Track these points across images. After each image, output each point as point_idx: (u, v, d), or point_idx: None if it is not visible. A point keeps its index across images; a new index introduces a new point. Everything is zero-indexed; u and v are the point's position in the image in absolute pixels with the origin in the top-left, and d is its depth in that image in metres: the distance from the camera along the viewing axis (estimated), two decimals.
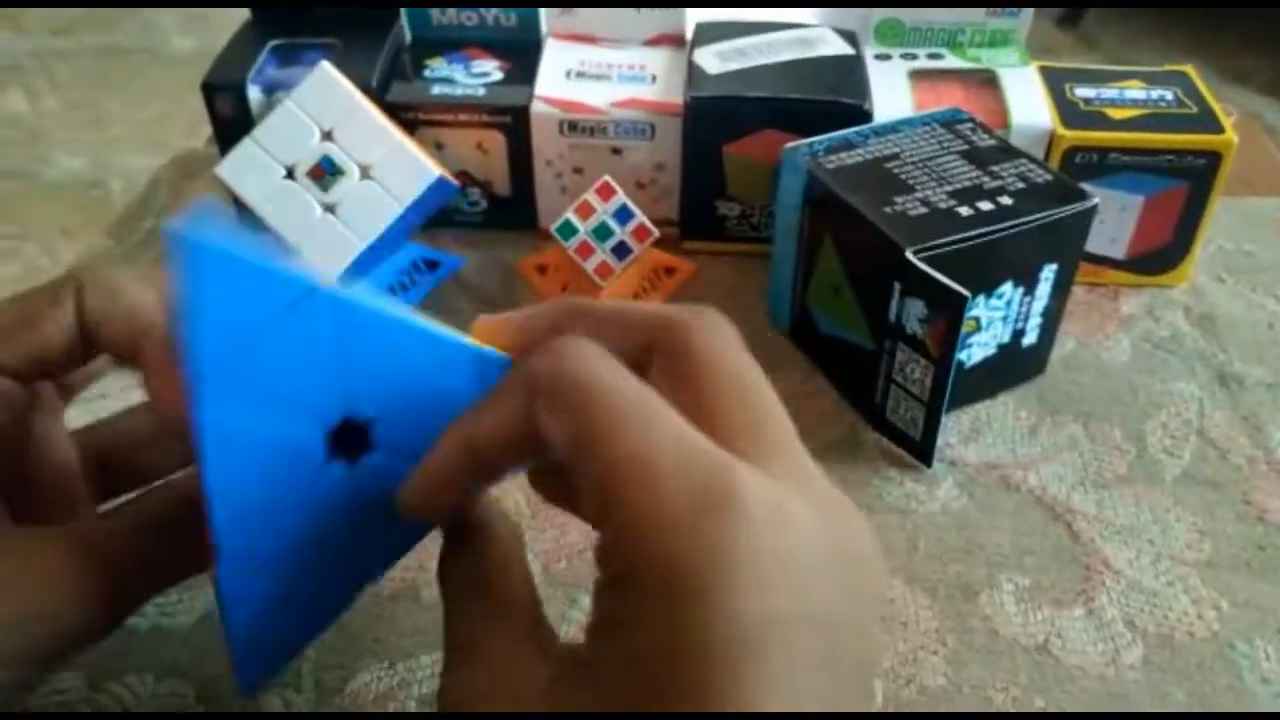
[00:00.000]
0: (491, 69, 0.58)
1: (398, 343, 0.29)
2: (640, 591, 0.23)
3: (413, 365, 0.29)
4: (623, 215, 0.51)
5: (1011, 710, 0.38)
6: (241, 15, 0.60)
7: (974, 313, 0.46)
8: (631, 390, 0.25)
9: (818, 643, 0.23)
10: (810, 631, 0.23)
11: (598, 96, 0.55)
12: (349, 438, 0.29)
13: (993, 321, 0.47)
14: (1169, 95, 0.54)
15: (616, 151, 0.56)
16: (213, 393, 0.25)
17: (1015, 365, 0.50)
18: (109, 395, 0.45)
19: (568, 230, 0.51)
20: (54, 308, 0.31)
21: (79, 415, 0.36)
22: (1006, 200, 0.46)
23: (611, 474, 0.24)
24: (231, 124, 0.55)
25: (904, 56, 0.58)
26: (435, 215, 0.54)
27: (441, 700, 0.27)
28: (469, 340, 0.30)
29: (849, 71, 0.56)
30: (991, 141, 0.50)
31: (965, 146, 0.49)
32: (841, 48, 0.58)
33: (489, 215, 0.60)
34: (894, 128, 0.51)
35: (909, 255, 0.43)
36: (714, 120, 0.54)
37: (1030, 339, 0.49)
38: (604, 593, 0.25)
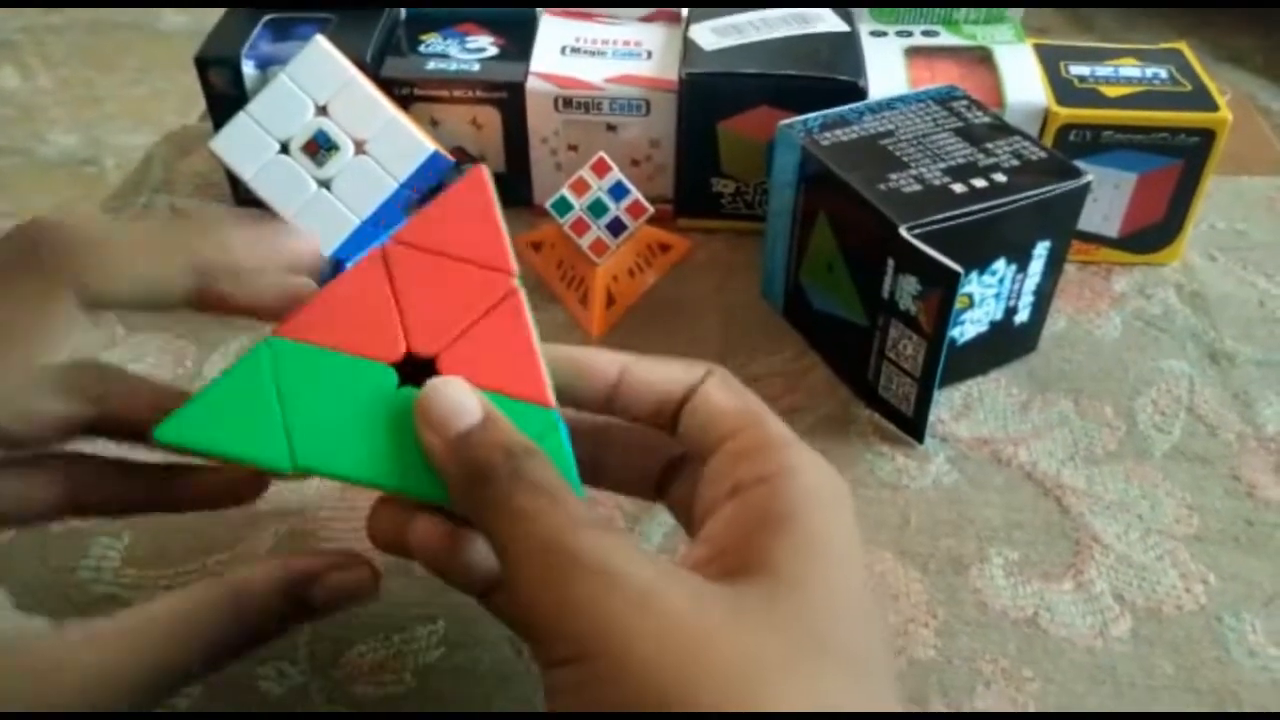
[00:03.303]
0: (486, 44, 0.58)
1: None
2: None
3: None
4: (618, 192, 0.51)
5: (1001, 682, 0.38)
6: None
7: (967, 289, 0.46)
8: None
9: None
10: None
11: (593, 72, 0.55)
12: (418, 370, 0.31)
13: (985, 298, 0.47)
14: (1163, 73, 0.54)
15: (612, 128, 0.56)
16: None
17: (1007, 342, 0.50)
18: None
19: (563, 206, 0.51)
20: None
21: None
22: (1000, 177, 0.46)
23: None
24: (225, 99, 0.55)
25: (899, 33, 0.58)
26: (430, 191, 0.54)
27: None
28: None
29: (844, 48, 0.56)
30: (986, 119, 0.50)
31: (960, 124, 0.49)
32: (837, 24, 0.58)
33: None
34: (889, 105, 0.51)
35: (903, 232, 0.43)
36: (709, 97, 0.54)
37: (1022, 316, 0.49)
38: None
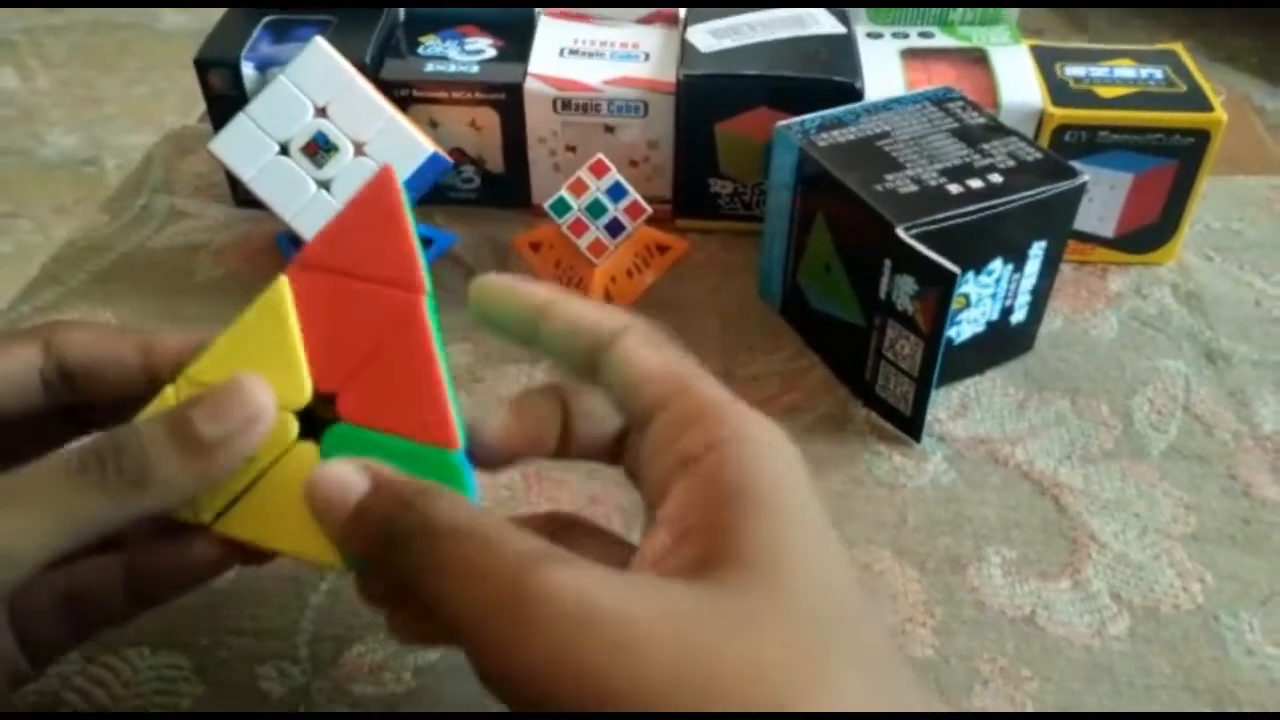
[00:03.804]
0: (485, 46, 0.58)
1: None
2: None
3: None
4: (616, 192, 0.51)
5: (999, 681, 0.39)
6: None
7: (963, 289, 0.46)
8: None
9: None
10: None
11: (591, 74, 0.56)
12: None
13: (982, 298, 0.47)
14: (1159, 74, 0.55)
15: (610, 129, 0.56)
16: None
17: (1004, 342, 0.50)
18: None
19: (561, 207, 0.51)
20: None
21: None
22: (996, 178, 0.46)
23: None
24: (225, 100, 0.55)
25: (895, 35, 0.58)
26: (429, 192, 0.54)
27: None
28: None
29: (841, 50, 0.56)
30: (982, 120, 0.50)
31: (956, 125, 0.50)
32: (834, 26, 0.58)
33: (482, 192, 0.60)
34: (885, 106, 0.51)
35: (900, 232, 0.43)
36: (707, 98, 0.54)
37: (1019, 316, 0.50)
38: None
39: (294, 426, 0.29)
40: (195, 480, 0.28)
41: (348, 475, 0.28)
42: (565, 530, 0.32)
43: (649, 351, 0.29)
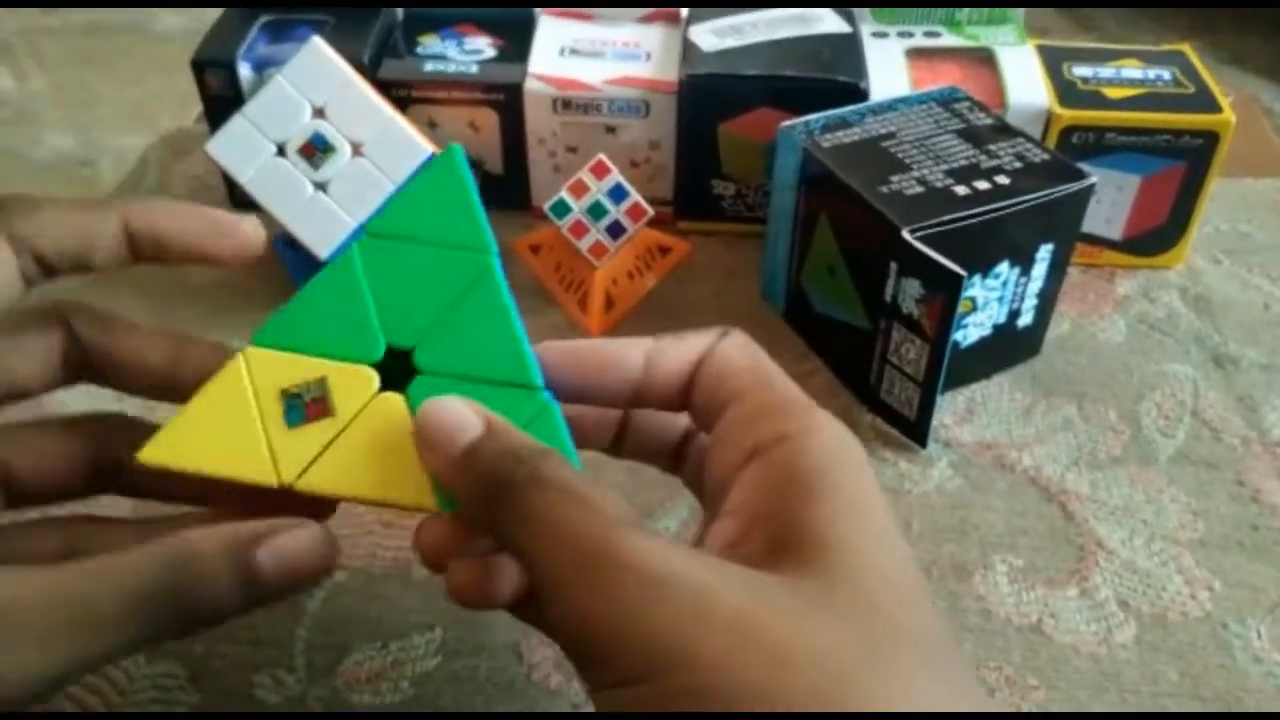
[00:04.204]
0: (484, 46, 0.57)
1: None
2: None
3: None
4: (617, 194, 0.50)
5: (1005, 689, 0.38)
6: None
7: (970, 293, 0.46)
8: None
9: None
10: None
11: (592, 74, 0.55)
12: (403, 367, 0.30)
13: (988, 302, 0.47)
14: (1166, 74, 0.54)
15: (611, 130, 0.56)
16: None
17: (1010, 346, 0.50)
18: None
19: (561, 209, 0.51)
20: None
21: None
22: (1003, 179, 0.45)
23: None
24: (221, 101, 0.54)
25: (901, 34, 0.58)
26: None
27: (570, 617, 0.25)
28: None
29: (845, 49, 0.55)
30: (988, 120, 0.50)
31: (962, 125, 0.49)
32: (838, 25, 0.57)
33: (482, 194, 0.59)
34: (890, 106, 0.51)
35: (905, 234, 0.43)
36: (709, 98, 0.54)
37: (1026, 320, 0.49)
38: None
39: (375, 380, 0.30)
40: (244, 609, 0.28)
41: (465, 414, 0.28)
42: None
43: (738, 353, 0.30)
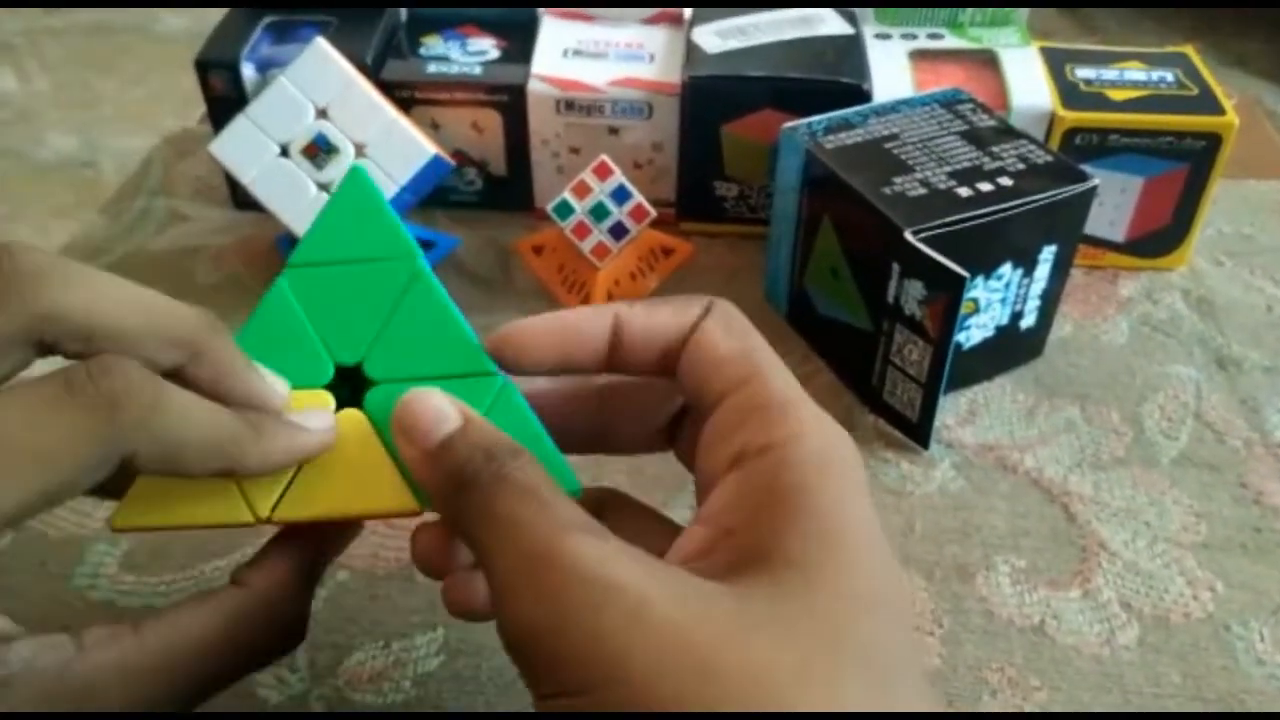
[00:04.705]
0: (488, 47, 0.57)
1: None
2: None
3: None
4: (620, 195, 0.50)
5: (1007, 690, 0.38)
6: None
7: (972, 294, 0.46)
8: None
9: None
10: None
11: (595, 75, 0.55)
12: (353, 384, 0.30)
13: (991, 303, 0.47)
14: (1169, 76, 0.54)
15: (614, 131, 0.56)
16: None
17: (1013, 347, 0.50)
18: None
19: (564, 210, 0.51)
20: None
21: None
22: (1006, 181, 0.45)
23: None
24: (225, 101, 0.54)
25: (904, 36, 0.58)
26: (431, 195, 0.53)
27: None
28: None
29: (849, 51, 0.55)
30: (991, 122, 0.50)
31: (965, 127, 0.49)
32: (841, 27, 0.57)
33: (485, 195, 0.59)
34: (893, 108, 0.51)
35: (908, 236, 0.42)
36: (712, 100, 0.54)
37: (1028, 321, 0.49)
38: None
39: (330, 401, 0.30)
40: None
41: (444, 407, 0.28)
42: (616, 508, 0.32)
43: (723, 336, 0.29)
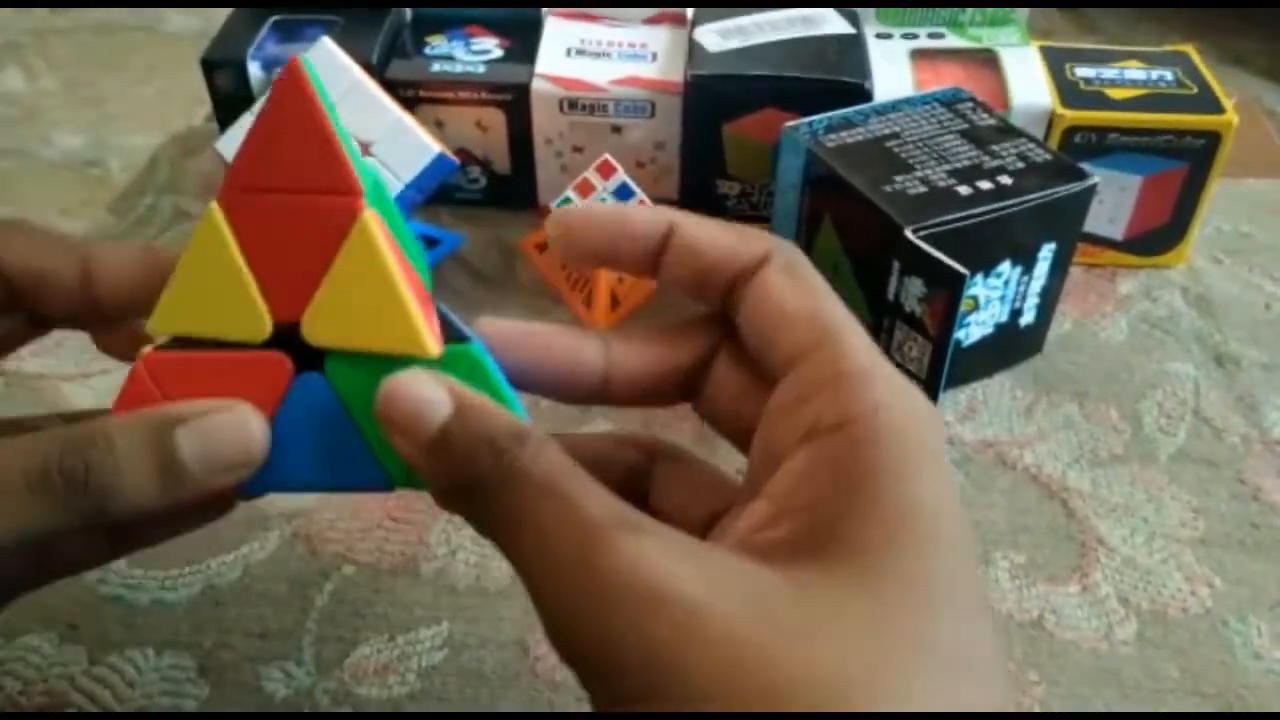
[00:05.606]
0: (492, 46, 0.58)
1: None
2: None
3: None
4: (623, 193, 0.51)
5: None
6: None
7: (972, 292, 0.46)
8: None
9: None
10: None
11: (598, 74, 0.55)
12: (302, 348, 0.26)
13: (990, 301, 0.47)
14: (1169, 75, 0.54)
15: (616, 130, 0.56)
16: None
17: (1012, 344, 0.50)
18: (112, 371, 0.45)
19: None
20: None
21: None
22: (1006, 179, 0.46)
23: None
24: (231, 100, 0.55)
25: (905, 36, 0.58)
26: (435, 193, 0.54)
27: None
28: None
29: (850, 50, 0.56)
30: (991, 121, 0.50)
31: (965, 126, 0.49)
32: (842, 26, 0.58)
33: (489, 193, 0.60)
34: (894, 107, 0.51)
35: (908, 233, 0.43)
36: (714, 99, 0.54)
37: (1028, 318, 0.49)
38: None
39: (286, 364, 0.26)
40: (163, 504, 0.25)
41: (430, 392, 0.24)
42: (669, 459, 0.30)
43: (791, 289, 0.26)
